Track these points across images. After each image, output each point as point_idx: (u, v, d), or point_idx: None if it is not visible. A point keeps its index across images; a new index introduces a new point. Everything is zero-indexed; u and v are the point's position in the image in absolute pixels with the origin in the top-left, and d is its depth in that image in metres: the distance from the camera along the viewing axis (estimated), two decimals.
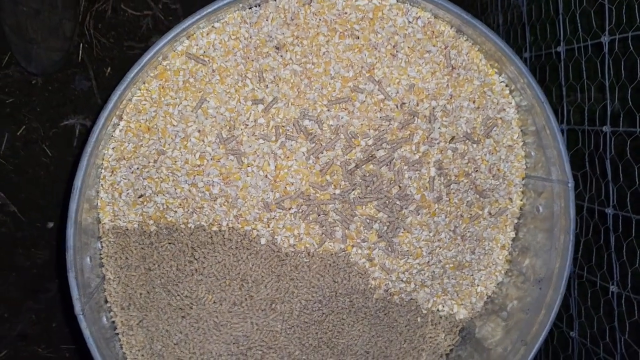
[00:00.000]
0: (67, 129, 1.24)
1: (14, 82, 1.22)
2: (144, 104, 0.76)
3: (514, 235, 0.90)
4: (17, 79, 1.22)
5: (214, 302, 0.78)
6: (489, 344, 0.89)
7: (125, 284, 0.79)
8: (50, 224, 1.25)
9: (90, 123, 1.24)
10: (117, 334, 0.79)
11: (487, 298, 0.91)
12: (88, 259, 0.76)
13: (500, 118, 0.83)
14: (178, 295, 0.78)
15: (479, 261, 0.88)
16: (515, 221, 0.89)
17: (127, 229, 0.79)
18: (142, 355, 0.79)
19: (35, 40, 1.15)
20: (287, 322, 0.80)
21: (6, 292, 1.23)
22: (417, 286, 0.85)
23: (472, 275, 0.89)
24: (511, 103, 0.83)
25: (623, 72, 0.88)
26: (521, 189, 0.88)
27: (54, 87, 1.24)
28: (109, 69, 1.25)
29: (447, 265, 0.86)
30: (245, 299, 0.78)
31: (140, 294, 0.79)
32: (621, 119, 0.89)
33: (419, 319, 0.87)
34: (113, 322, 0.80)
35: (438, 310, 0.89)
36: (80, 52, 1.23)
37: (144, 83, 0.75)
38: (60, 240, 1.24)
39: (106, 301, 0.80)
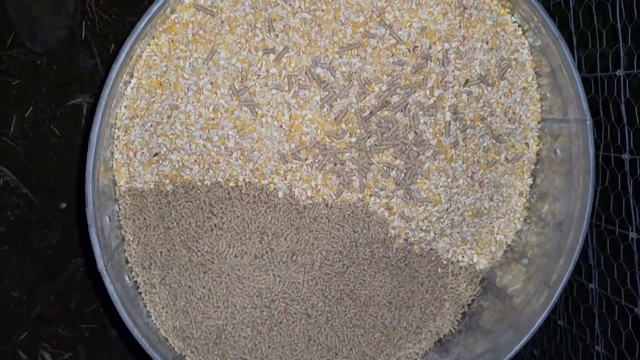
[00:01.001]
0: (74, 108, 1.24)
1: (18, 63, 1.21)
2: (154, 59, 0.75)
3: (532, 182, 0.89)
4: (22, 60, 1.21)
5: (235, 255, 0.77)
6: (511, 291, 0.89)
7: (145, 244, 0.79)
8: (63, 205, 1.25)
9: (96, 98, 1.24)
10: (140, 293, 0.79)
11: (507, 247, 0.91)
12: (107, 219, 0.75)
13: (515, 59, 0.82)
14: (198, 251, 0.78)
15: (498, 208, 0.88)
16: (533, 167, 0.89)
17: (144, 190, 0.79)
18: (167, 312, 0.79)
19: (39, 19, 1.15)
20: (309, 274, 0.79)
21: (23, 275, 1.23)
22: (436, 235, 0.85)
23: (491, 223, 0.88)
24: (524, 44, 0.82)
25: (635, 11, 0.87)
26: (537, 134, 0.87)
27: (58, 67, 1.23)
28: (113, 45, 1.24)
29: (465, 213, 0.85)
30: (266, 251, 0.78)
31: (161, 252, 0.78)
32: (635, 60, 0.88)
33: (439, 270, 0.87)
34: (135, 281, 0.80)
35: (458, 260, 0.89)
36: (83, 29, 1.22)
37: (153, 38, 0.75)
38: (74, 218, 1.24)
39: (127, 262, 0.80)
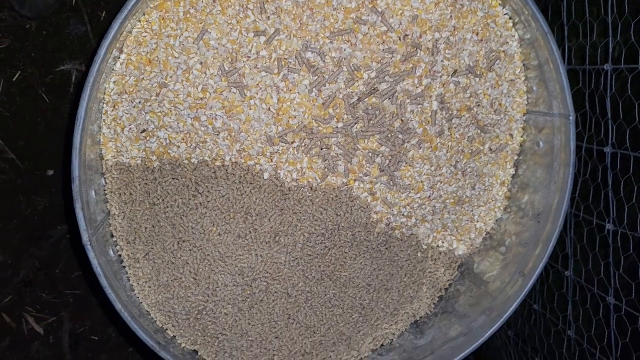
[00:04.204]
0: (64, 74, 1.22)
1: (7, 26, 1.19)
2: (145, 36, 0.75)
3: (514, 172, 0.91)
4: (10, 23, 1.19)
5: (219, 234, 0.79)
6: (487, 277, 0.91)
7: (130, 219, 0.80)
8: (50, 172, 1.25)
9: (86, 68, 1.23)
10: (124, 267, 0.81)
11: (486, 234, 0.93)
12: (93, 193, 0.76)
13: (504, 51, 0.82)
14: (183, 228, 0.79)
15: (479, 197, 0.90)
16: (515, 158, 0.90)
17: (130, 165, 0.80)
18: (149, 287, 0.80)
19: None
20: (291, 255, 0.81)
21: (8, 239, 1.23)
22: (417, 221, 0.87)
23: (472, 211, 0.90)
24: (514, 36, 0.83)
25: (626, 6, 0.88)
26: (522, 125, 0.88)
27: (48, 32, 1.21)
28: (104, 13, 1.23)
29: (447, 201, 0.87)
30: (250, 231, 0.79)
31: (145, 227, 0.80)
32: (622, 56, 0.89)
33: (419, 254, 0.89)
34: (119, 255, 0.81)
35: (438, 246, 0.91)
36: None
37: (144, 14, 0.74)
38: (60, 187, 1.24)
39: (112, 235, 0.81)
